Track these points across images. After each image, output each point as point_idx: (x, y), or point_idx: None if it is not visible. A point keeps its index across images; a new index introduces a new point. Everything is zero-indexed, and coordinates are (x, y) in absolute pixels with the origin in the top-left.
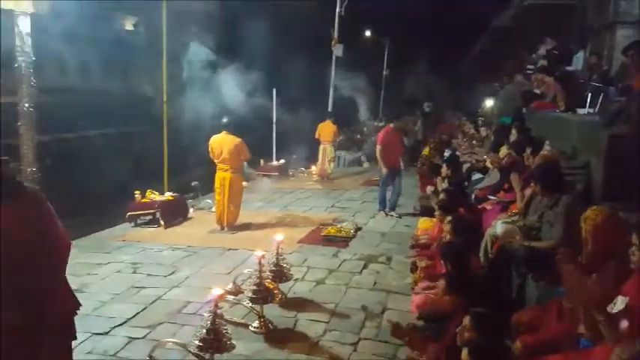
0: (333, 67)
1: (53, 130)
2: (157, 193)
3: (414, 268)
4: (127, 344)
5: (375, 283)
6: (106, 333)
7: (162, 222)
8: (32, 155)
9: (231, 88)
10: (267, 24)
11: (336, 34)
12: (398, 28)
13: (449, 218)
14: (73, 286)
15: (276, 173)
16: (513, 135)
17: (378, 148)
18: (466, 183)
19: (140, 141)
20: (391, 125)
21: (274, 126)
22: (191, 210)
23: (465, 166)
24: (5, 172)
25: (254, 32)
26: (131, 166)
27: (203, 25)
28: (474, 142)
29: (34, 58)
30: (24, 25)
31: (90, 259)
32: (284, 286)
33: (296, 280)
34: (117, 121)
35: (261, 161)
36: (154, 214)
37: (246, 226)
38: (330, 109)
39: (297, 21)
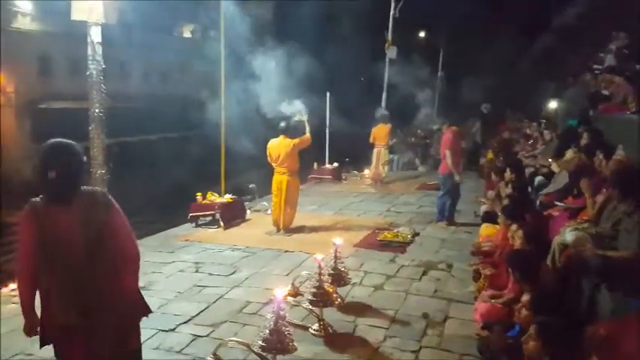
0: (386, 70)
1: (118, 134)
2: (216, 194)
3: (476, 276)
4: (191, 341)
5: (435, 291)
6: (172, 330)
7: (221, 223)
8: (101, 157)
9: (286, 91)
10: (321, 28)
11: (389, 36)
12: (454, 28)
13: (516, 225)
14: (140, 284)
15: (330, 177)
16: (584, 139)
17: (448, 153)
18: (529, 188)
19: (199, 144)
20: (454, 128)
21: (327, 129)
22: (248, 212)
23: (528, 171)
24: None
25: (307, 36)
26: (190, 169)
27: (258, 31)
28: (537, 145)
29: (104, 66)
30: (95, 34)
31: (155, 258)
32: (342, 291)
33: (354, 284)
34: (177, 126)
35: (315, 164)
36: (214, 215)
37: (301, 229)
38: (384, 111)
39: (351, 24)
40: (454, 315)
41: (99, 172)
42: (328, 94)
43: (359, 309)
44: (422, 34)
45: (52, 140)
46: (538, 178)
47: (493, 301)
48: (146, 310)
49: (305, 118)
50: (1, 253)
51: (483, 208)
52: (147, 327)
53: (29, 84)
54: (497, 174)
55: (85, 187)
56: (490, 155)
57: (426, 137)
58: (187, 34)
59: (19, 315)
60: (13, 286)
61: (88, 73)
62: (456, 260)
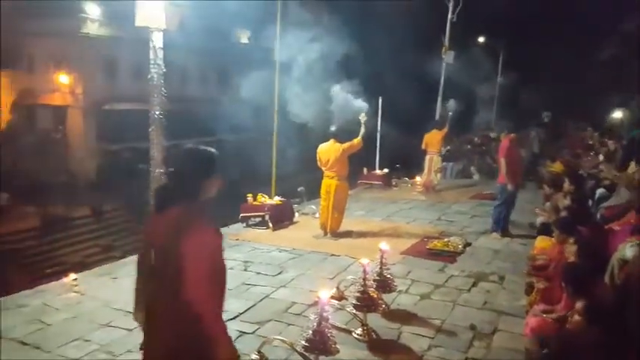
0: (442, 75)
1: (175, 136)
2: (266, 196)
3: (529, 289)
4: (237, 337)
5: (485, 303)
6: None
7: (270, 224)
8: (160, 158)
9: (338, 96)
10: (375, 33)
11: (446, 41)
12: (514, 33)
13: (573, 238)
14: None
15: (379, 182)
16: None
17: (503, 161)
18: (590, 201)
19: (251, 147)
20: (513, 136)
21: (378, 134)
22: (297, 214)
23: (590, 182)
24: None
25: (361, 40)
26: (242, 171)
27: (312, 36)
28: (600, 156)
29: (164, 70)
30: (157, 40)
31: None
32: (387, 297)
33: (399, 292)
34: (230, 129)
35: (364, 170)
36: (263, 216)
37: (348, 234)
38: (437, 117)
39: (407, 28)
40: (503, 328)
41: (157, 171)
42: (380, 98)
43: (404, 316)
44: (480, 39)
45: (187, 146)
46: (599, 190)
47: (545, 315)
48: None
49: (363, 120)
50: (65, 245)
51: (540, 219)
52: None
53: (96, 86)
54: (556, 185)
55: (197, 206)
56: (551, 165)
57: (482, 145)
58: (244, 40)
59: (80, 303)
60: (74, 275)
61: (149, 76)
62: (508, 272)
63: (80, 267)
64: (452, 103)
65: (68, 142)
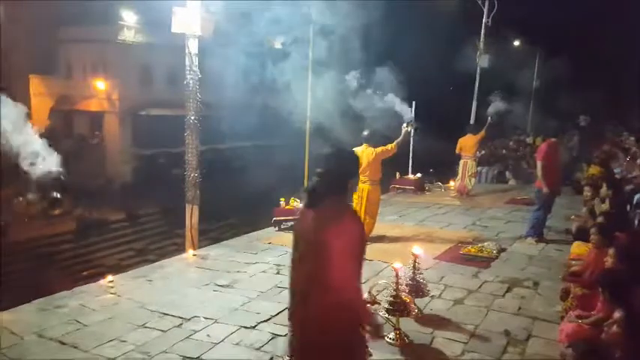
0: (477, 78)
1: (209, 141)
2: (299, 200)
3: (564, 295)
4: (270, 340)
5: (519, 308)
6: (253, 327)
7: None
8: (195, 162)
9: (370, 100)
10: (410, 36)
11: (481, 44)
12: (551, 36)
13: (610, 244)
14: (226, 282)
15: (412, 187)
16: None
17: (539, 164)
18: (628, 206)
19: (284, 152)
20: (553, 140)
21: (411, 138)
22: None
23: (628, 187)
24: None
25: (394, 43)
26: (275, 175)
27: (345, 41)
28: (638, 160)
29: (200, 76)
30: (193, 46)
31: (240, 258)
32: (420, 302)
33: (432, 296)
34: (263, 134)
35: (397, 174)
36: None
37: (380, 238)
38: (472, 121)
39: (441, 32)
40: (538, 334)
41: (192, 175)
42: (414, 102)
43: (437, 321)
44: (516, 42)
45: (334, 147)
46: (638, 196)
47: (581, 321)
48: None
49: (408, 129)
50: (100, 248)
51: (576, 225)
52: (230, 323)
53: (131, 92)
54: (593, 189)
55: (344, 202)
56: (589, 170)
57: (517, 149)
58: (278, 46)
59: (116, 304)
60: (110, 277)
61: (185, 82)
62: (543, 278)
63: (115, 270)
64: (497, 105)
65: (104, 147)
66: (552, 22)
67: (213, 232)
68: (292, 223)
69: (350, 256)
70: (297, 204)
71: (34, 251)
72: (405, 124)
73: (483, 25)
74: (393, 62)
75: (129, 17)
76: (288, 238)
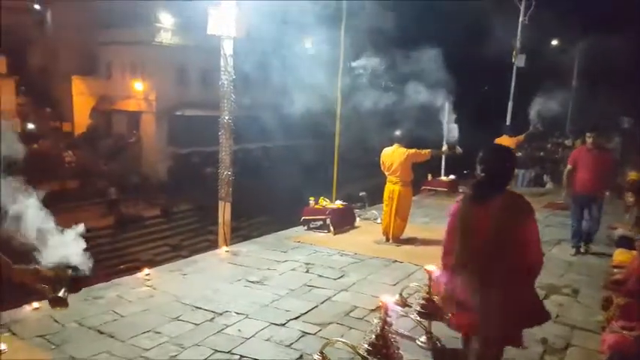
0: (513, 79)
1: (240, 141)
2: (328, 200)
3: (606, 304)
4: (300, 337)
5: (557, 316)
6: (283, 324)
7: (331, 228)
8: (228, 160)
9: (402, 100)
10: (444, 35)
11: (518, 44)
12: (590, 35)
13: None
14: (256, 278)
15: (445, 189)
16: None
17: (569, 167)
18: None
19: (312, 152)
20: (588, 142)
21: (444, 140)
22: (358, 219)
23: None
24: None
25: (426, 44)
26: (305, 175)
27: (377, 41)
28: None
29: (234, 77)
30: (228, 47)
31: (270, 256)
32: None
33: None
34: (293, 134)
35: (429, 176)
36: (324, 220)
37: (411, 240)
38: (508, 122)
39: (477, 31)
40: (577, 343)
41: (225, 173)
42: (447, 103)
43: None
44: (554, 42)
45: (491, 145)
46: None
47: (625, 332)
48: (544, 317)
49: (451, 152)
50: (136, 243)
51: (619, 231)
52: (260, 319)
53: (167, 93)
54: (636, 195)
55: (510, 191)
56: (634, 175)
57: (556, 152)
58: (308, 46)
59: (152, 297)
60: (147, 270)
61: (220, 83)
62: (583, 285)
63: (150, 264)
64: (538, 109)
65: (141, 146)
66: (592, 21)
67: (243, 230)
68: (321, 222)
69: (538, 235)
70: (326, 203)
71: None
72: (446, 145)
73: (520, 23)
74: (427, 61)
75: (165, 19)
76: (317, 237)
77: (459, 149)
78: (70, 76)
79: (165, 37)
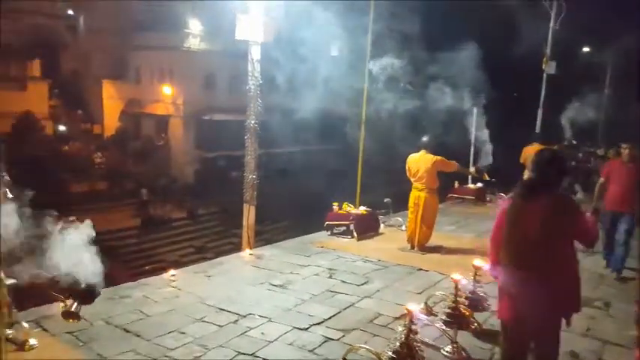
0: (543, 86)
1: (265, 145)
2: (352, 205)
3: None
4: (323, 343)
5: (588, 329)
6: (305, 329)
7: (355, 234)
8: (254, 164)
9: (429, 106)
10: (473, 41)
11: (548, 51)
12: (623, 41)
13: None
14: (280, 282)
15: (472, 197)
16: None
17: (601, 179)
18: None
19: (336, 158)
20: (623, 154)
21: (472, 147)
22: (382, 225)
23: None
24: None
25: (454, 50)
26: (328, 180)
27: (404, 47)
28: None
29: (261, 82)
30: (255, 52)
31: (293, 260)
32: (479, 316)
33: (493, 311)
34: (317, 139)
35: (456, 183)
36: (348, 225)
37: (436, 249)
38: (537, 130)
39: (506, 37)
40: (609, 358)
41: (250, 176)
42: (475, 109)
43: (497, 337)
44: (586, 49)
45: (546, 149)
46: None
47: None
48: (575, 308)
49: (479, 176)
50: (162, 244)
51: None
52: (283, 323)
53: (195, 97)
54: None
55: (560, 193)
56: None
57: (587, 161)
58: (334, 52)
59: (177, 297)
60: (172, 271)
61: (247, 87)
62: (615, 299)
63: (175, 265)
64: (570, 118)
65: (169, 149)
66: (625, 26)
67: (266, 234)
68: (345, 228)
69: (586, 221)
70: (349, 209)
71: (101, 244)
72: (475, 169)
73: (550, 30)
74: (455, 67)
75: (194, 25)
76: (341, 242)
77: (487, 177)
78: (101, 80)
79: (194, 43)
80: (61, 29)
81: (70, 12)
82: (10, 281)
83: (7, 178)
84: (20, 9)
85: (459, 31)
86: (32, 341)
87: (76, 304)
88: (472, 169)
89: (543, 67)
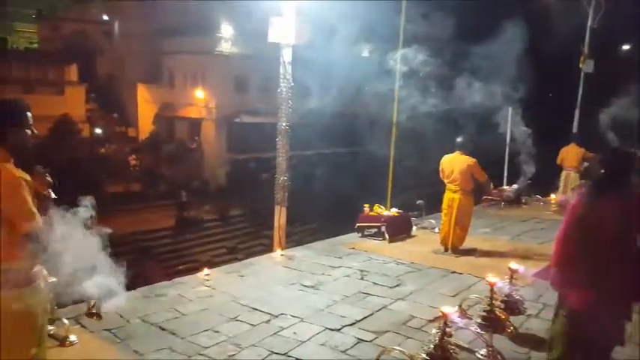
0: (580, 85)
1: (296, 147)
2: (383, 207)
3: None
4: (355, 344)
5: (631, 336)
6: (338, 330)
7: (386, 236)
8: (285, 166)
9: (461, 107)
10: (504, 40)
11: (586, 49)
12: None
13: None
14: (311, 283)
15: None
16: None
17: None
18: None
19: (369, 159)
20: None
21: (507, 148)
22: (414, 228)
23: None
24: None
25: (488, 49)
26: (359, 182)
27: (436, 48)
28: None
29: (292, 84)
30: (287, 55)
31: (324, 262)
32: (515, 320)
33: (529, 315)
34: (347, 141)
35: (490, 185)
36: (379, 227)
37: (471, 252)
38: (575, 130)
39: (542, 35)
40: None
41: (282, 178)
42: (510, 109)
43: (534, 342)
44: (626, 47)
45: (615, 147)
46: None
47: None
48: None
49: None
50: (195, 245)
51: None
52: (315, 323)
53: (227, 100)
54: None
55: (631, 190)
56: None
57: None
58: (365, 54)
59: (211, 296)
60: (206, 271)
61: (278, 90)
62: None
63: (208, 265)
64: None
65: (202, 152)
66: None
67: (295, 236)
68: (376, 230)
69: None
70: (381, 210)
71: (137, 244)
72: (512, 188)
73: (588, 27)
74: (490, 66)
75: (226, 29)
76: (372, 244)
77: (523, 200)
78: (136, 84)
79: (226, 47)
80: (97, 35)
81: (106, 17)
82: (51, 279)
83: (49, 179)
84: (60, 17)
85: (492, 29)
86: (72, 337)
87: (97, 304)
88: (508, 187)
89: (580, 65)
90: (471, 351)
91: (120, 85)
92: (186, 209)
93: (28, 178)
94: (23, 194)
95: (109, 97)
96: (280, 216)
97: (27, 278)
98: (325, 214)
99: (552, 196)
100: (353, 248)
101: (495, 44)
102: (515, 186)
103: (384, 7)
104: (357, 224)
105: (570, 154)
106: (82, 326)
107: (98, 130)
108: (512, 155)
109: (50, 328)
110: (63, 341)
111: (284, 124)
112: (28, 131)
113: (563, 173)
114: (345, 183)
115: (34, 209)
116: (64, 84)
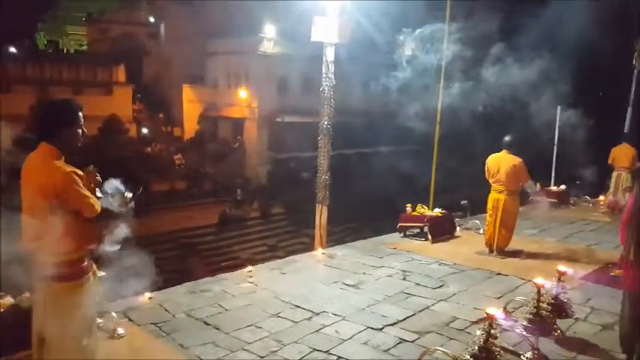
0: (633, 82)
1: (336, 147)
2: (426, 207)
3: None
4: (397, 344)
5: None
6: (379, 329)
7: (429, 236)
8: (326, 165)
9: (509, 105)
10: (553, 36)
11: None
12: None
13: None
14: (352, 282)
15: (555, 200)
16: None
17: None
18: None
19: (409, 159)
20: None
21: (555, 147)
22: (458, 228)
23: None
24: None
25: (535, 46)
26: (401, 181)
27: (482, 46)
28: None
29: (334, 83)
30: (330, 54)
31: (366, 261)
32: (562, 323)
33: (576, 319)
34: (389, 140)
35: (537, 185)
36: (422, 227)
37: (516, 253)
38: (627, 130)
39: (593, 31)
40: None
41: (323, 177)
42: (559, 107)
43: (582, 346)
44: None
45: None
46: None
47: None
48: None
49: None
50: (238, 242)
51: None
52: (357, 322)
53: (269, 100)
54: None
55: None
56: None
57: None
58: (408, 52)
59: (254, 292)
60: (249, 267)
61: (320, 89)
62: None
63: (249, 262)
64: None
65: (244, 151)
66: None
67: (336, 235)
68: (418, 230)
69: None
70: (424, 211)
71: (181, 240)
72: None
73: None
74: (536, 66)
75: (269, 30)
76: (414, 245)
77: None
78: (181, 85)
79: (268, 47)
80: (143, 36)
81: (152, 19)
82: (101, 273)
83: (98, 178)
84: (108, 19)
85: (543, 27)
86: (120, 330)
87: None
88: (553, 188)
89: (634, 62)
90: (517, 354)
91: (165, 85)
92: (243, 206)
93: (80, 172)
94: (77, 187)
95: (155, 97)
96: (321, 215)
97: (79, 271)
98: (366, 214)
99: (601, 197)
100: (395, 248)
101: (546, 41)
102: (563, 187)
103: (428, 6)
104: (399, 224)
105: (622, 154)
106: (129, 320)
107: (145, 130)
108: (561, 155)
109: (100, 321)
110: (111, 334)
111: (326, 123)
112: (80, 131)
113: (614, 173)
114: (387, 182)
115: (93, 198)
116: (112, 85)
